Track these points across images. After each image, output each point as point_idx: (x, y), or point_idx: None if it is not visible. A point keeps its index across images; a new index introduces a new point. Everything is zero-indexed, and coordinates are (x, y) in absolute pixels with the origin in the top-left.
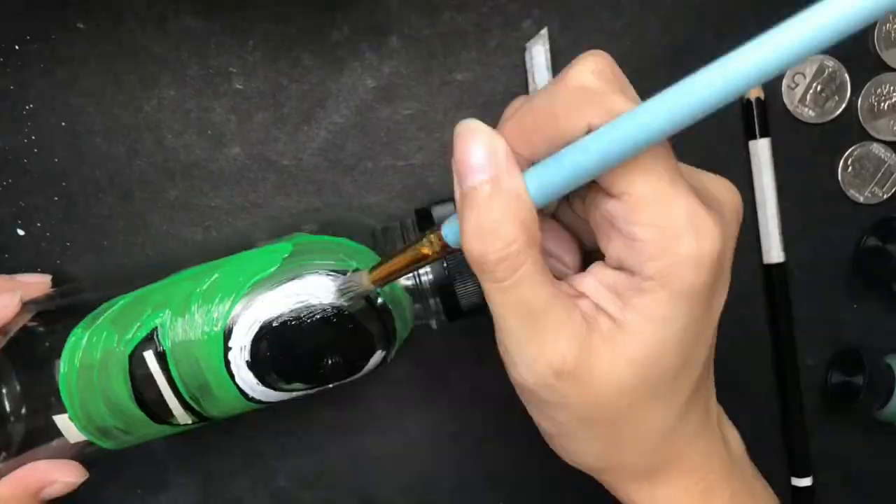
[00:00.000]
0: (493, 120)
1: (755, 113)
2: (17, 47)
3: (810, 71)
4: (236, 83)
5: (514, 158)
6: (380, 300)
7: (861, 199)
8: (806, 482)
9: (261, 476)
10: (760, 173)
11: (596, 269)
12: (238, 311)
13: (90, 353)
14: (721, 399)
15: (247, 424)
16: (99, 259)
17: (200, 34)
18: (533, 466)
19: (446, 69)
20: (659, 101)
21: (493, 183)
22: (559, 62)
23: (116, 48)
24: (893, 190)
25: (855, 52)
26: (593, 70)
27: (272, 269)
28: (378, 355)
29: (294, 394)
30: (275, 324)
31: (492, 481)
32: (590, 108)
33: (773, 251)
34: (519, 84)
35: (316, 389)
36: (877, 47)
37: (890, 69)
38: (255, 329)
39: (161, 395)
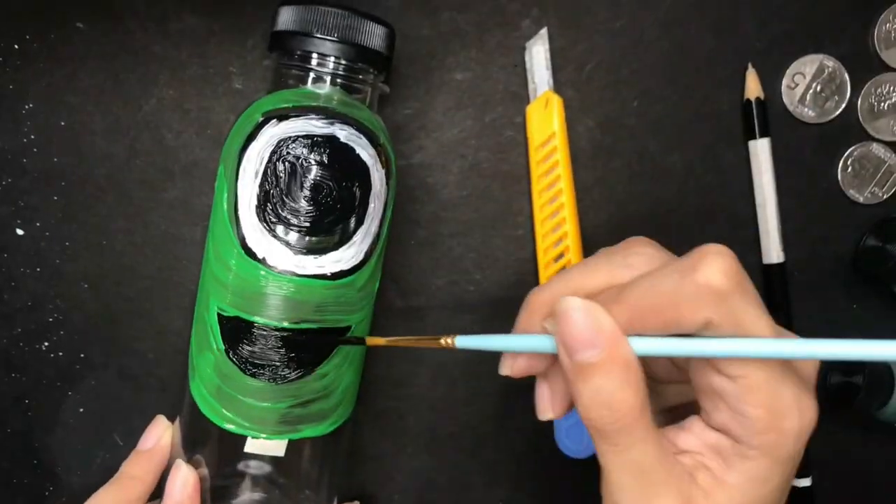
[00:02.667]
0: (493, 117)
1: (755, 113)
2: (16, 46)
3: (810, 71)
4: (236, 83)
5: (620, 329)
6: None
7: (861, 200)
8: (805, 482)
9: None
10: (760, 173)
11: (696, 427)
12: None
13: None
14: None
15: None
16: (98, 259)
17: (200, 34)
18: (532, 466)
19: (446, 69)
20: (787, 346)
21: (606, 356)
22: (558, 62)
23: (116, 47)
24: (893, 190)
25: (855, 52)
26: (723, 270)
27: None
28: (378, 177)
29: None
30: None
31: (491, 481)
32: (714, 308)
33: (773, 251)
34: (519, 84)
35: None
36: (877, 47)
37: (890, 69)
38: (260, 171)
39: None
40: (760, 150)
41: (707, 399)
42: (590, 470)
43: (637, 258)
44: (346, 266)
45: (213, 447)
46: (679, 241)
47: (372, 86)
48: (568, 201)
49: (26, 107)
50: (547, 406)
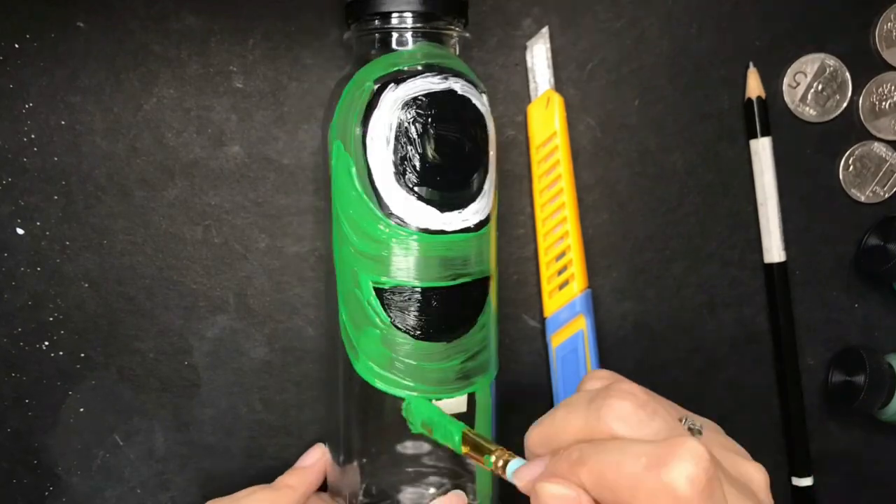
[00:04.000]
0: (494, 116)
1: (756, 112)
2: (16, 45)
3: (811, 70)
4: (236, 82)
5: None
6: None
7: (862, 199)
8: (807, 482)
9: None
10: (761, 172)
11: None
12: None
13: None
14: (721, 399)
15: (247, 424)
16: (98, 258)
17: (200, 33)
18: None
19: None
20: None
21: None
22: (559, 61)
23: (116, 47)
24: (895, 189)
25: (856, 51)
26: (690, 477)
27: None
28: (491, 124)
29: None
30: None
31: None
32: None
33: (774, 250)
34: (520, 83)
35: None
36: (878, 46)
37: (891, 68)
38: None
39: None
40: (762, 149)
41: None
42: None
43: (614, 411)
44: (483, 216)
45: (388, 421)
46: (679, 241)
47: (457, 33)
48: (569, 201)
49: (26, 106)
50: None
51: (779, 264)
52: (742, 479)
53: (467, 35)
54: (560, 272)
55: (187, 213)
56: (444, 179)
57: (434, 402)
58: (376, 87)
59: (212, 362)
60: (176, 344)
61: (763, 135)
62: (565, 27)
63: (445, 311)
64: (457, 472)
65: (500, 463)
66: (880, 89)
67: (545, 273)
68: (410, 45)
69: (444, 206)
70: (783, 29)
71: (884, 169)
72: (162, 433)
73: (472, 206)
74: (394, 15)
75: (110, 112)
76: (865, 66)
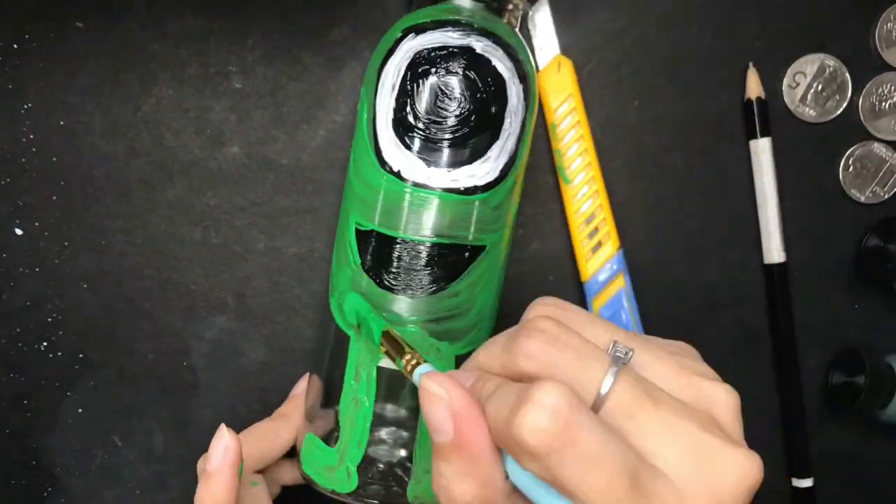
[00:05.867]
0: None
1: (756, 112)
2: (15, 46)
3: (811, 70)
4: (235, 82)
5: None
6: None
7: (862, 199)
8: (807, 483)
9: None
10: (761, 173)
11: None
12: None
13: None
14: None
15: (246, 424)
16: (98, 259)
17: (199, 33)
18: None
19: None
20: None
21: (452, 444)
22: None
23: (115, 47)
24: (895, 190)
25: (856, 51)
26: (540, 429)
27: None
28: (516, 92)
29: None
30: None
31: None
32: (531, 464)
33: (774, 251)
34: None
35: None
36: (878, 46)
37: (891, 68)
38: (397, 87)
39: None
40: (761, 150)
41: None
42: None
43: (522, 349)
44: (479, 182)
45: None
46: (680, 241)
47: (516, 4)
48: (593, 161)
49: (25, 106)
50: None
51: (779, 265)
52: (701, 401)
53: (528, 7)
54: (591, 234)
55: (186, 214)
56: (435, 134)
57: (383, 360)
58: (400, 34)
59: (211, 363)
60: (175, 345)
61: (763, 135)
62: (565, 27)
63: (410, 265)
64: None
65: (410, 367)
66: (880, 90)
67: (577, 236)
68: (467, 3)
69: (432, 161)
70: (783, 29)
71: (884, 169)
72: (161, 434)
73: (466, 169)
74: None
75: (109, 112)
76: (865, 66)
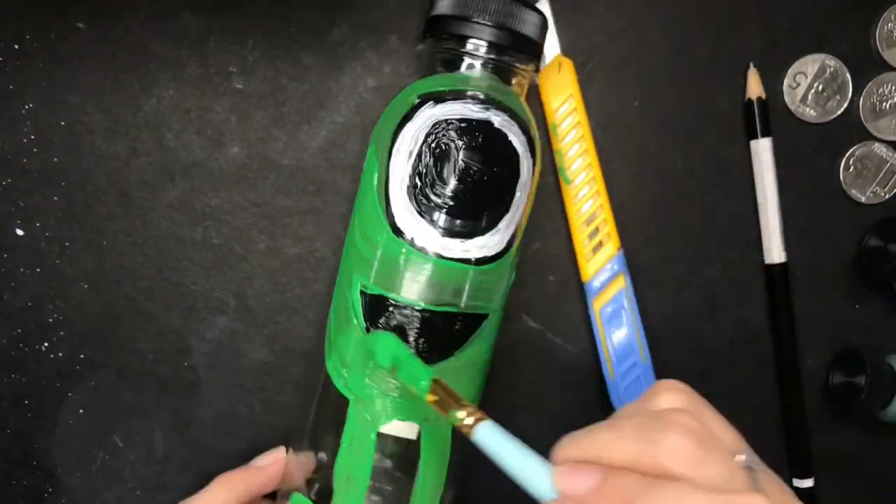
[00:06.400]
0: None
1: (756, 112)
2: (16, 46)
3: (812, 70)
4: (236, 82)
5: None
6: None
7: (863, 199)
8: (807, 483)
9: None
10: (762, 173)
11: None
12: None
13: None
14: (722, 399)
15: (247, 425)
16: (98, 259)
17: (200, 33)
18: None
19: None
20: None
21: None
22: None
23: (116, 47)
24: (895, 190)
25: (856, 51)
26: None
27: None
28: (527, 166)
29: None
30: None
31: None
32: None
33: (775, 251)
34: None
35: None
36: (878, 47)
37: (891, 68)
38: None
39: None
40: (762, 150)
41: None
42: None
43: (671, 447)
44: (489, 252)
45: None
46: (679, 242)
47: (525, 73)
48: (594, 160)
49: (26, 107)
50: None
51: (779, 265)
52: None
53: (536, 78)
54: (592, 235)
55: (187, 214)
56: (453, 206)
57: (384, 425)
58: (417, 100)
59: (211, 363)
60: (175, 345)
61: (763, 135)
62: (565, 28)
63: (419, 333)
64: (398, 479)
65: (471, 422)
66: (881, 90)
67: (578, 237)
68: (479, 73)
69: (447, 231)
70: (783, 29)
71: (884, 169)
72: (161, 434)
73: (479, 240)
74: (469, 41)
75: (110, 113)
76: (866, 66)
